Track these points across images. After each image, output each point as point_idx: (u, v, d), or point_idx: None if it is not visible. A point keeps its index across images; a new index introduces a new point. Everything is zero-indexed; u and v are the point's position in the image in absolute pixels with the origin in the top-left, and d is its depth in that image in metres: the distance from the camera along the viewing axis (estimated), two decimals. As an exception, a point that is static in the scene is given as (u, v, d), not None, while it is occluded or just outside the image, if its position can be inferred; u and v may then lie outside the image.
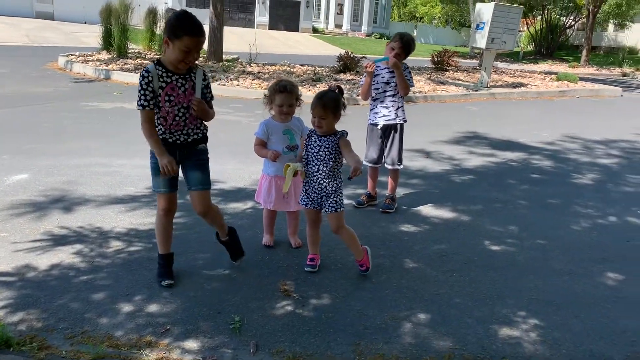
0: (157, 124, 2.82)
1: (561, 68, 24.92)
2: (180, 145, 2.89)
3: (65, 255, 3.29)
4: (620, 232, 4.39)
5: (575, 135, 8.53)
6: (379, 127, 4.48)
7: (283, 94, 3.34)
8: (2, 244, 3.39)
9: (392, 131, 4.49)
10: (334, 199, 3.15)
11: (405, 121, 4.53)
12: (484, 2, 14.40)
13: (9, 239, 3.47)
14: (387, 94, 4.41)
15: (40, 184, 4.58)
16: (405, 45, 4.29)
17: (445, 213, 4.57)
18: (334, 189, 3.14)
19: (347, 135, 3.11)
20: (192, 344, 2.49)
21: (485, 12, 12.65)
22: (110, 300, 2.82)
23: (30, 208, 4.02)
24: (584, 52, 29.44)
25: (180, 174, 2.98)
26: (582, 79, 17.47)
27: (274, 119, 3.45)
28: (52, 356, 2.33)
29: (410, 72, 4.47)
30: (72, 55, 14.17)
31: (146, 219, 3.96)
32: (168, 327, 2.61)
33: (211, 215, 3.14)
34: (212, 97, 2.97)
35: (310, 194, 3.19)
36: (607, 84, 17.31)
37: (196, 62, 2.82)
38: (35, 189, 4.44)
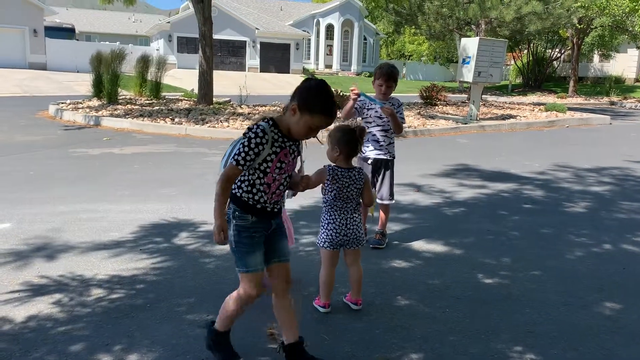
0: (258, 190, 2.43)
1: (550, 99, 25.25)
2: (276, 214, 2.55)
3: (44, 306, 3.17)
4: (616, 260, 4.31)
5: (566, 164, 8.53)
6: (369, 161, 4.44)
7: None
8: (-22, 296, 3.27)
9: (383, 166, 4.46)
10: None
11: (394, 157, 4.50)
12: (468, 37, 14.67)
13: (-14, 290, 3.35)
14: (379, 128, 4.39)
15: (23, 232, 4.49)
16: (391, 77, 4.28)
17: (437, 247, 4.49)
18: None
19: (326, 167, 3.13)
20: (172, 396, 2.37)
21: (470, 46, 12.87)
22: (88, 351, 2.70)
23: (11, 258, 3.92)
24: (571, 83, 29.96)
25: None
26: (570, 108, 17.66)
27: None
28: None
29: (402, 108, 4.46)
30: (62, 103, 14.26)
31: (130, 264, 3.86)
32: (148, 378, 2.49)
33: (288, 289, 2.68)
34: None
35: None
36: (595, 113, 17.49)
37: None
38: (17, 238, 4.34)
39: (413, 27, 22.02)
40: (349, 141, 3.05)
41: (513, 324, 3.15)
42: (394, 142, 4.50)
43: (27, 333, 2.86)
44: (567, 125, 14.35)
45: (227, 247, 4.21)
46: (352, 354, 2.76)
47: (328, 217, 3.16)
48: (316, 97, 2.34)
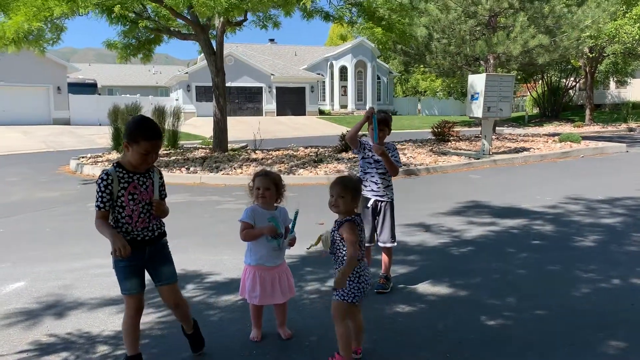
0: (122, 224, 2.89)
1: (566, 129, 25.09)
2: (148, 242, 2.98)
3: (50, 365, 3.25)
4: (624, 296, 4.24)
5: (579, 196, 8.46)
6: (369, 204, 4.51)
7: (260, 177, 3.49)
8: (-12, 357, 3.37)
9: (382, 208, 4.52)
10: None
11: (392, 200, 4.57)
12: (479, 72, 14.81)
13: (-4, 351, 3.45)
14: (377, 171, 4.49)
15: (36, 290, 4.62)
16: (382, 122, 4.38)
17: (442, 289, 4.48)
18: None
19: (355, 218, 3.11)
20: None
21: (478, 83, 12.99)
22: (89, 410, 2.75)
23: (22, 317, 4.03)
24: (587, 111, 29.79)
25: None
26: (587, 137, 17.55)
27: (259, 206, 3.51)
28: None
29: (397, 152, 4.55)
30: (83, 157, 14.69)
31: (136, 319, 3.93)
32: None
33: (181, 308, 3.19)
34: (165, 195, 3.09)
35: None
36: (613, 140, 17.35)
37: (155, 162, 2.97)
38: (30, 297, 4.46)
39: (422, 65, 22.32)
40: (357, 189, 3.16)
41: (514, 367, 3.13)
42: (391, 185, 4.57)
43: (32, 393, 2.93)
44: (582, 156, 14.25)
45: (231, 299, 4.29)
46: (349, 404, 2.76)
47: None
48: (134, 129, 2.84)
